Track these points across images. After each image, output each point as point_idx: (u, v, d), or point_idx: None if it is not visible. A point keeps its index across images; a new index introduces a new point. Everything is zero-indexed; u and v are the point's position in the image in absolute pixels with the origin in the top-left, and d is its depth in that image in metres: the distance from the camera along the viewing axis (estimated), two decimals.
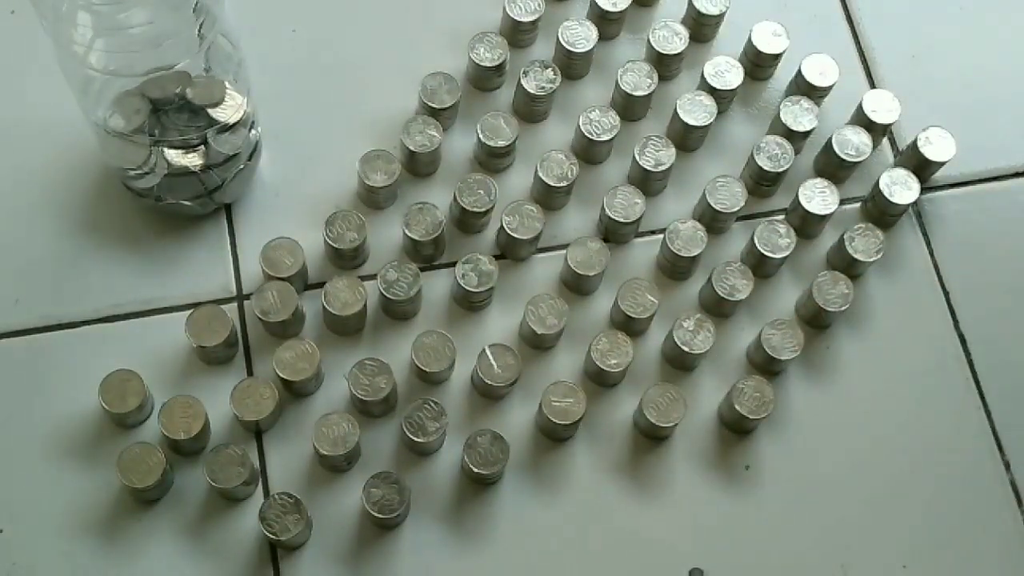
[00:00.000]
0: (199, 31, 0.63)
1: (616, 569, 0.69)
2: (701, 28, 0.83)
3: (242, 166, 0.73)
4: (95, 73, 0.65)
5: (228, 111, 0.70)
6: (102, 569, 0.67)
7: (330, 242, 0.72)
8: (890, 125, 0.80)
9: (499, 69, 0.79)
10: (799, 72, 0.80)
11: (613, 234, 0.77)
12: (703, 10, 0.82)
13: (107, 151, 0.72)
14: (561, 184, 0.75)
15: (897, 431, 0.74)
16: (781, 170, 0.77)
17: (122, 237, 0.74)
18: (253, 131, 0.74)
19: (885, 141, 0.82)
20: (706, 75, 0.80)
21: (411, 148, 0.75)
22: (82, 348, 0.72)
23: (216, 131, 0.70)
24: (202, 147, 0.71)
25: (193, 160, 0.71)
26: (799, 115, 0.79)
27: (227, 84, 0.70)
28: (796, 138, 0.79)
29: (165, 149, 0.70)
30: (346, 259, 0.74)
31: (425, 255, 0.75)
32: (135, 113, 0.69)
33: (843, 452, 0.73)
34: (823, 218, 0.77)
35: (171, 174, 0.71)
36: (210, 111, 0.70)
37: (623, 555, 0.70)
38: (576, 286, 0.75)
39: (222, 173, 0.72)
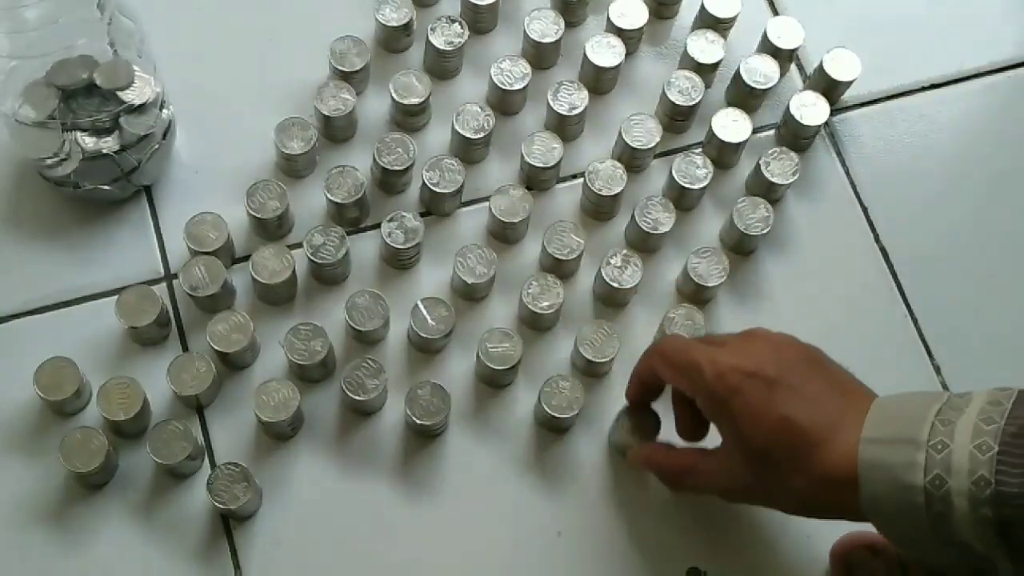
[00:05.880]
0: (97, 5, 0.63)
1: (571, 503, 0.70)
2: None
3: (157, 145, 0.73)
4: None
5: (137, 92, 0.70)
6: (54, 557, 0.67)
7: (253, 213, 0.72)
8: (796, 50, 0.81)
9: (406, 28, 0.80)
10: (702, 6, 0.82)
11: (535, 181, 0.77)
12: None
13: (20, 142, 0.72)
14: (479, 136, 0.76)
15: (829, 345, 0.75)
16: (693, 103, 0.78)
17: (44, 228, 0.74)
18: (165, 110, 0.74)
19: (793, 67, 0.84)
20: (612, 17, 0.81)
21: (325, 113, 0.75)
22: (15, 341, 0.71)
23: (127, 111, 0.70)
24: (116, 130, 0.71)
25: (107, 143, 0.71)
26: (705, 48, 0.80)
27: (134, 65, 0.70)
28: (705, 71, 0.80)
29: (78, 135, 0.70)
30: (271, 229, 0.74)
31: (350, 218, 0.75)
32: (45, 101, 0.69)
33: None
34: (738, 146, 0.78)
35: (87, 159, 0.71)
36: (119, 93, 0.70)
37: (574, 490, 0.71)
38: (503, 235, 0.76)
39: (137, 154, 0.72)
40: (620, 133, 0.77)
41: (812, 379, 0.60)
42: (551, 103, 0.77)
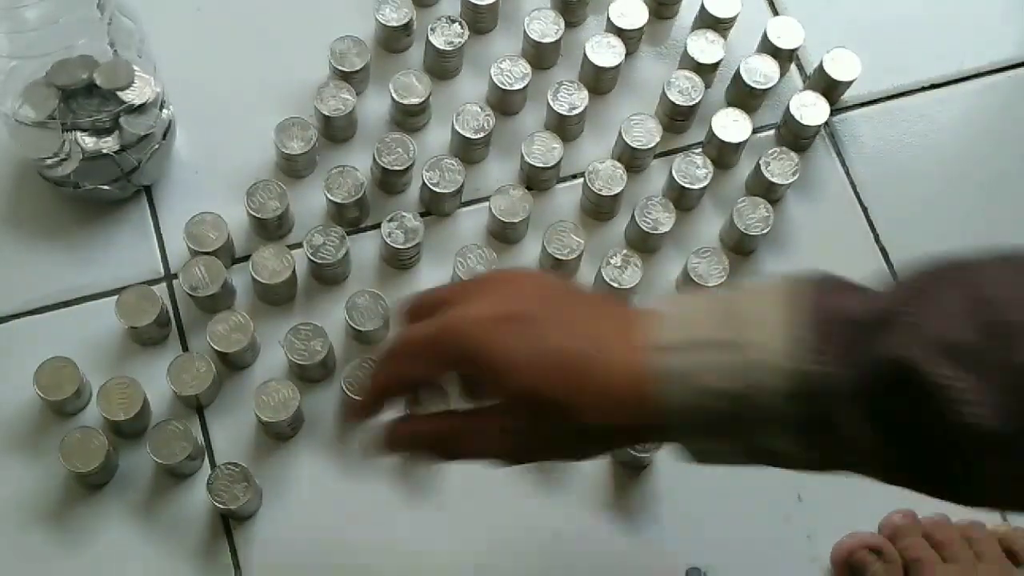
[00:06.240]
0: (97, 5, 0.63)
1: (570, 503, 0.70)
2: None
3: (156, 145, 0.73)
4: None
5: (137, 92, 0.70)
6: (55, 556, 0.67)
7: (253, 213, 0.72)
8: (796, 50, 0.81)
9: (406, 28, 0.79)
10: (702, 6, 0.82)
11: (535, 181, 0.77)
12: None
13: (20, 142, 0.72)
14: (479, 136, 0.76)
15: None
16: (693, 103, 0.78)
17: (44, 228, 0.74)
18: (165, 110, 0.74)
19: (793, 67, 0.84)
20: (612, 17, 0.80)
21: (325, 113, 0.75)
22: (15, 342, 0.71)
23: (127, 111, 0.70)
24: (116, 130, 0.71)
25: (107, 143, 0.71)
26: (705, 48, 0.80)
27: (134, 65, 0.70)
28: (705, 71, 0.80)
29: (78, 135, 0.70)
30: (271, 229, 0.74)
31: (350, 218, 0.75)
32: (45, 101, 0.69)
33: None
34: (738, 146, 0.78)
35: (87, 159, 0.71)
36: (119, 93, 0.70)
37: (574, 490, 0.71)
38: (503, 235, 0.76)
39: (137, 154, 0.72)
40: (620, 133, 0.77)
41: (574, 305, 0.52)
42: (551, 103, 0.77)
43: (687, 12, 0.84)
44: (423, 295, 0.56)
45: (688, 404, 0.48)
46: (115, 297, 0.70)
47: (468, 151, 0.77)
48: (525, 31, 0.79)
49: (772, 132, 0.82)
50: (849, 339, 0.46)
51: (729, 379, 0.47)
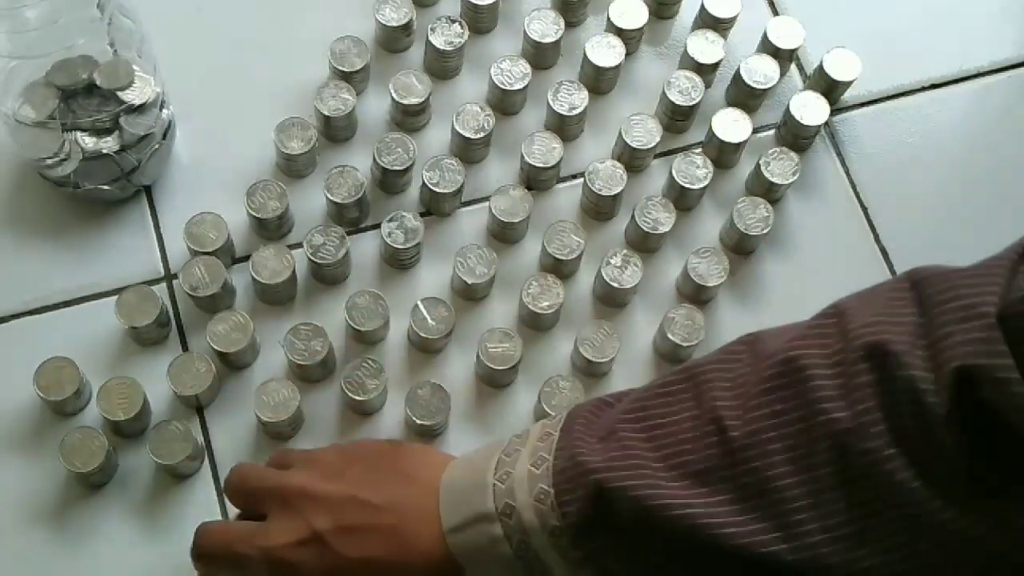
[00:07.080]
0: (97, 5, 0.63)
1: None
2: None
3: (157, 145, 0.73)
4: None
5: (137, 92, 0.70)
6: (54, 556, 0.67)
7: (253, 213, 0.72)
8: (796, 50, 0.81)
9: (406, 28, 0.80)
10: (702, 6, 0.82)
11: (535, 181, 0.77)
12: None
13: (20, 142, 0.72)
14: (479, 136, 0.76)
15: None
16: (693, 103, 0.78)
17: (44, 228, 0.74)
18: (165, 110, 0.74)
19: (793, 67, 0.84)
20: (612, 17, 0.81)
21: (325, 113, 0.75)
22: (15, 341, 0.71)
23: (127, 111, 0.70)
24: (116, 130, 0.71)
25: (107, 143, 0.71)
26: (705, 48, 0.80)
27: (134, 65, 0.70)
28: (705, 71, 0.80)
29: (78, 135, 0.70)
30: (271, 229, 0.74)
31: (350, 218, 0.75)
32: (45, 101, 0.69)
33: None
34: (738, 146, 0.78)
35: (87, 159, 0.71)
36: (119, 93, 0.70)
37: None
38: (503, 235, 0.76)
39: (137, 154, 0.72)
40: (620, 133, 0.77)
41: (373, 492, 0.59)
42: (551, 103, 0.77)
43: (687, 12, 0.84)
44: (241, 480, 0.63)
45: (490, 570, 0.57)
46: (115, 297, 0.70)
47: (468, 151, 0.77)
48: (525, 31, 0.79)
49: (772, 132, 0.82)
50: (592, 492, 0.52)
51: (508, 545, 0.55)
